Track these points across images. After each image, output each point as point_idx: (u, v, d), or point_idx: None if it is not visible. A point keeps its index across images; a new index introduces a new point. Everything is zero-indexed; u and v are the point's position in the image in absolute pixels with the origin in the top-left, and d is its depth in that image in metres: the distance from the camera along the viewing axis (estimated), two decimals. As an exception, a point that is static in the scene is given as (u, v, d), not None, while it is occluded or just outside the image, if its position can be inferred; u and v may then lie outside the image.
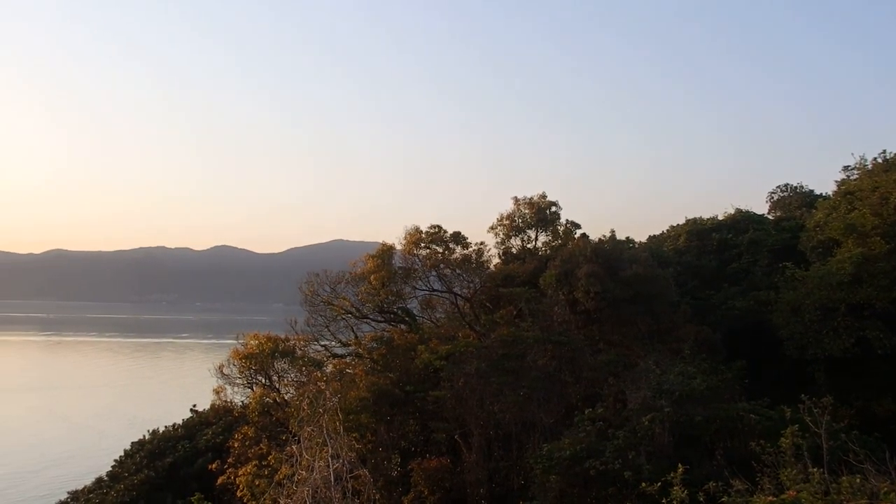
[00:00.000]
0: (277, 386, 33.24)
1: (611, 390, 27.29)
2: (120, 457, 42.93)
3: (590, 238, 38.17)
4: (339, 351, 37.83)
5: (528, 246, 39.67)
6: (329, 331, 37.33)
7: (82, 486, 42.04)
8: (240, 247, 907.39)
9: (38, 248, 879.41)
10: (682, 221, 48.83)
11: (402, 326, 38.00)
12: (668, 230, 49.80)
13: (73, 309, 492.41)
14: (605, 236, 37.73)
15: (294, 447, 20.88)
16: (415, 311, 39.76)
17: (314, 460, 18.03)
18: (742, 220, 45.19)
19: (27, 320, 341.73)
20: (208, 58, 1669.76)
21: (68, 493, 41.90)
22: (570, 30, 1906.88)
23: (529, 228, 39.41)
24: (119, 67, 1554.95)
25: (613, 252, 35.00)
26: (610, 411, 25.65)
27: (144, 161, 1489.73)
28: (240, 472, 29.71)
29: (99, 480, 41.55)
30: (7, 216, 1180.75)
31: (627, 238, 41.44)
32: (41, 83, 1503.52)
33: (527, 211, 39.11)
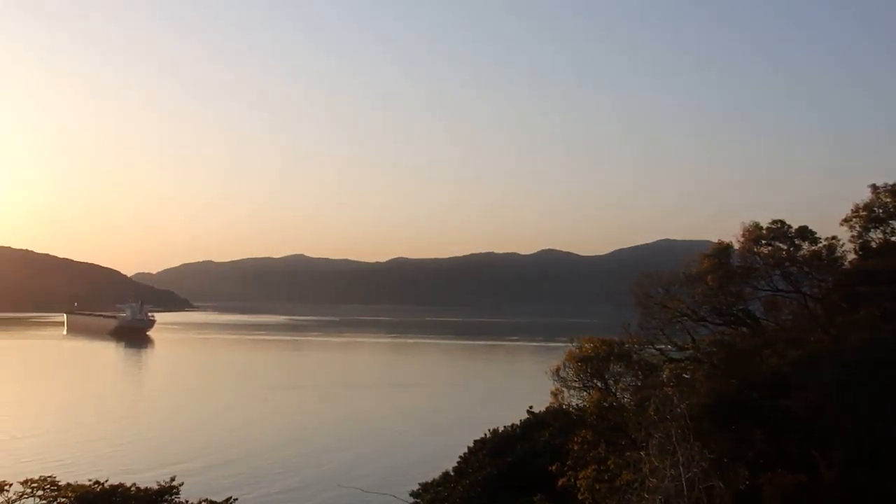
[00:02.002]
0: (613, 389, 32.78)
1: None
2: (464, 453, 45.11)
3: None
4: (675, 355, 36.41)
5: (892, 239, 35.13)
6: (664, 334, 36.06)
7: (431, 479, 44.82)
8: (565, 250, 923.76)
9: (383, 257, 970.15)
10: None
11: (744, 329, 35.61)
12: None
13: (412, 313, 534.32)
14: None
15: (640, 453, 20.16)
16: (757, 313, 37.07)
17: (664, 468, 17.23)
18: None
19: (375, 323, 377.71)
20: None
21: (419, 484, 44.91)
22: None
23: (893, 219, 34.88)
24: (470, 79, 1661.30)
25: None
26: None
27: (476, 167, 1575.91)
28: (580, 476, 29.65)
29: (446, 475, 44.00)
30: (357, 230, 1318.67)
31: None
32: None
33: (888, 200, 34.64)
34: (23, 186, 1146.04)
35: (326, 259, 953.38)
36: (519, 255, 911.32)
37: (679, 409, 18.32)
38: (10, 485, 20.85)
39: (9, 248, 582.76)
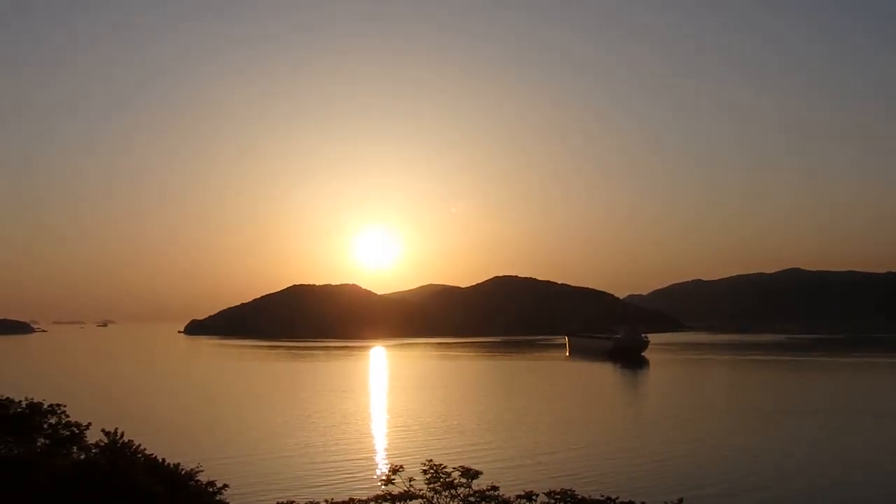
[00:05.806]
0: None
1: None
2: None
3: None
4: None
5: None
6: None
7: None
8: None
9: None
10: None
11: None
12: None
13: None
14: None
15: None
16: None
17: None
18: None
19: (890, 340, 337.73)
20: None
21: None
22: None
23: None
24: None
25: None
26: None
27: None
28: None
29: None
30: (867, 235, 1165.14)
31: None
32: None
33: None
34: (523, 219, 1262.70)
35: (827, 272, 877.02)
36: None
37: None
38: (537, 495, 22.57)
39: (515, 276, 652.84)
